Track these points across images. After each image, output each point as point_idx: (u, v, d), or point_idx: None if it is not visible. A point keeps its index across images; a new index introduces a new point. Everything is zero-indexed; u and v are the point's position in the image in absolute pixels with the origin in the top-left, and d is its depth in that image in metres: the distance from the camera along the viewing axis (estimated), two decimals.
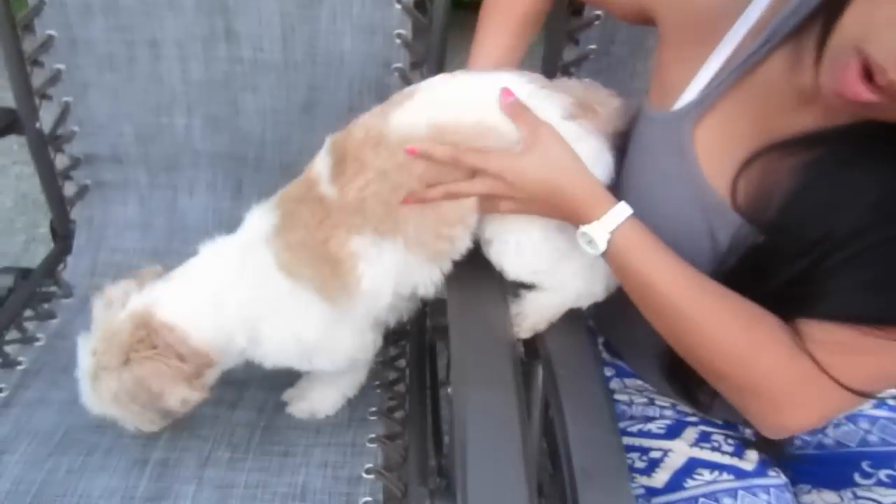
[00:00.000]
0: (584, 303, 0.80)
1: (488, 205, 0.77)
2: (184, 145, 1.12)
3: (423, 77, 1.06)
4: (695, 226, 0.69)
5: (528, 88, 0.77)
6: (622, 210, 0.69)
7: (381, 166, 0.75)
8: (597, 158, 0.76)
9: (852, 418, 0.80)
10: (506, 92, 0.75)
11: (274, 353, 0.84)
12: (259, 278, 0.80)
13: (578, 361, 0.74)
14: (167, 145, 1.12)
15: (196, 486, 0.84)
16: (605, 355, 0.95)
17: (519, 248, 0.79)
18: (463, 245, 0.80)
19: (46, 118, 1.11)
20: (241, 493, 0.84)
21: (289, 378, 1.01)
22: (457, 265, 0.82)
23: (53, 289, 1.14)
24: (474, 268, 0.83)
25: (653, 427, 0.83)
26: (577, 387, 0.70)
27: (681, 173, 0.69)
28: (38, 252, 1.84)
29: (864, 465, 0.77)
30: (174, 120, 1.10)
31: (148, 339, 0.77)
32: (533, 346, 0.83)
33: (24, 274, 1.13)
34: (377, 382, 1.01)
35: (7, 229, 1.91)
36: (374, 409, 0.97)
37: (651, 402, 0.86)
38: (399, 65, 1.06)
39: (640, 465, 0.85)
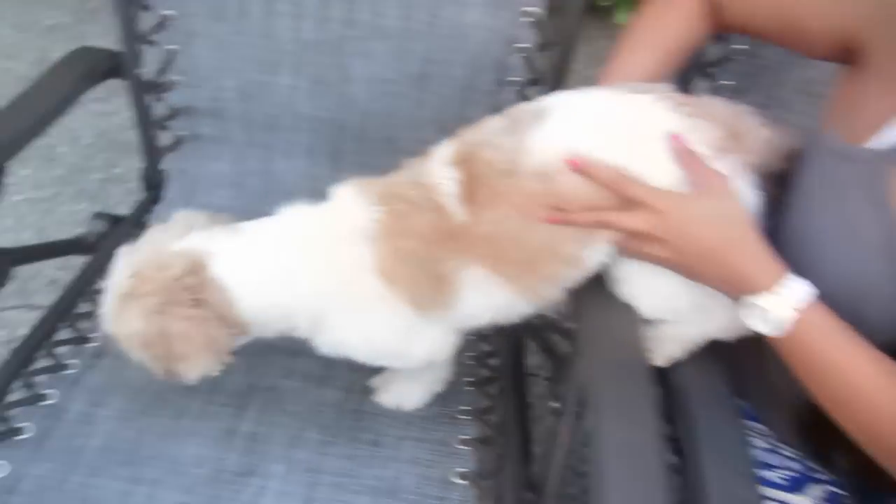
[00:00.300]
0: (731, 335, 0.73)
1: (633, 245, 0.69)
2: (286, 106, 1.08)
3: (549, 61, 1.00)
4: (879, 279, 0.62)
5: (674, 117, 0.69)
6: (804, 286, 0.62)
7: (514, 202, 0.70)
8: (744, 200, 0.69)
9: None
10: (675, 138, 0.68)
11: (338, 346, 0.78)
12: (350, 273, 0.73)
13: (719, 406, 0.68)
14: (268, 104, 1.08)
15: (285, 467, 0.82)
16: None
17: (657, 290, 0.72)
18: (571, 283, 0.75)
19: (149, 65, 1.08)
20: (330, 480, 0.82)
21: None
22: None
23: None
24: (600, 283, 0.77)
25: (774, 476, 0.77)
26: (719, 436, 0.64)
27: (873, 220, 0.62)
28: (113, 192, 1.84)
29: None
30: (279, 79, 1.06)
31: (195, 289, 0.71)
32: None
33: (115, 220, 1.11)
34: (469, 380, 0.97)
35: (84, 166, 1.91)
36: (465, 408, 0.93)
37: (774, 450, 0.80)
38: (525, 45, 1.00)
39: None
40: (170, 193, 1.15)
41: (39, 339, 0.91)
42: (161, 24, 1.04)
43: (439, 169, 0.73)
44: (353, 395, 0.92)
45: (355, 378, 0.95)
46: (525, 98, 1.03)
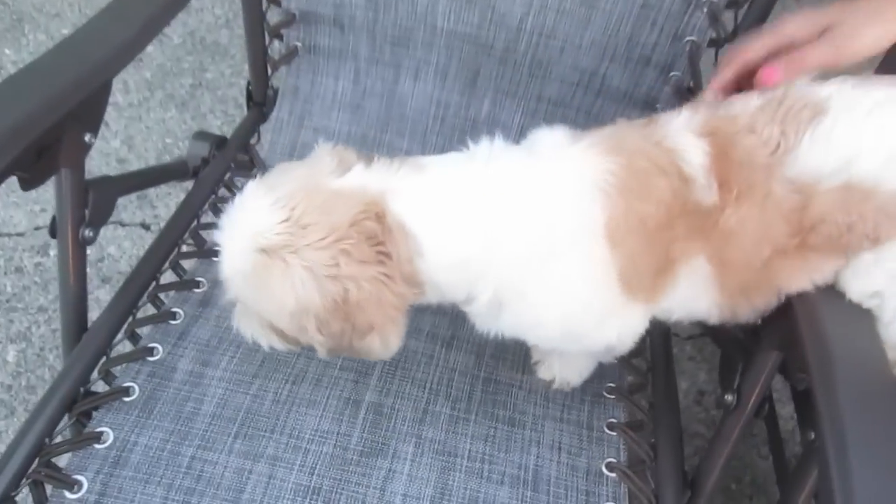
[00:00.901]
0: None
1: None
2: (422, 18, 0.91)
3: None
4: None
5: None
6: None
7: (765, 208, 0.58)
8: None
9: None
10: None
11: (523, 324, 0.65)
12: (573, 236, 0.59)
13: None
14: (402, 15, 0.92)
15: (415, 447, 0.71)
16: None
17: None
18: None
19: None
20: (465, 465, 0.70)
21: None
22: None
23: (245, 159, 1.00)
24: None
25: None
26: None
27: None
28: (204, 100, 1.72)
29: None
30: None
31: (377, 239, 0.57)
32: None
33: (219, 144, 0.99)
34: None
35: (174, 69, 1.79)
36: (611, 385, 0.81)
37: None
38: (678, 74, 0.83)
39: None
40: (280, 114, 1.01)
41: (142, 283, 0.80)
42: None
43: (684, 135, 0.59)
44: (482, 359, 0.80)
45: (485, 340, 0.82)
46: (720, 27, 0.84)
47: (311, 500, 0.66)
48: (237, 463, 0.67)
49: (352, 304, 0.55)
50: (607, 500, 0.70)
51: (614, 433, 0.76)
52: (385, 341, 0.59)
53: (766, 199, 0.58)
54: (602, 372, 0.81)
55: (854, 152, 0.56)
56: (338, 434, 0.71)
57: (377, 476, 0.69)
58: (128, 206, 1.48)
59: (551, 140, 0.62)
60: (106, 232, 1.43)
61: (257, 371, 0.75)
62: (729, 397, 0.70)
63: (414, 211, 0.58)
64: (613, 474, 0.72)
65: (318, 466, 0.68)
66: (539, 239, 0.59)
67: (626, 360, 0.82)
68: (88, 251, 0.75)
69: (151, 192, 1.50)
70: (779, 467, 0.94)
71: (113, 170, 1.55)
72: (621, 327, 0.64)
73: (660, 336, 0.85)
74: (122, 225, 1.46)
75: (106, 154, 1.58)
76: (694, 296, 0.63)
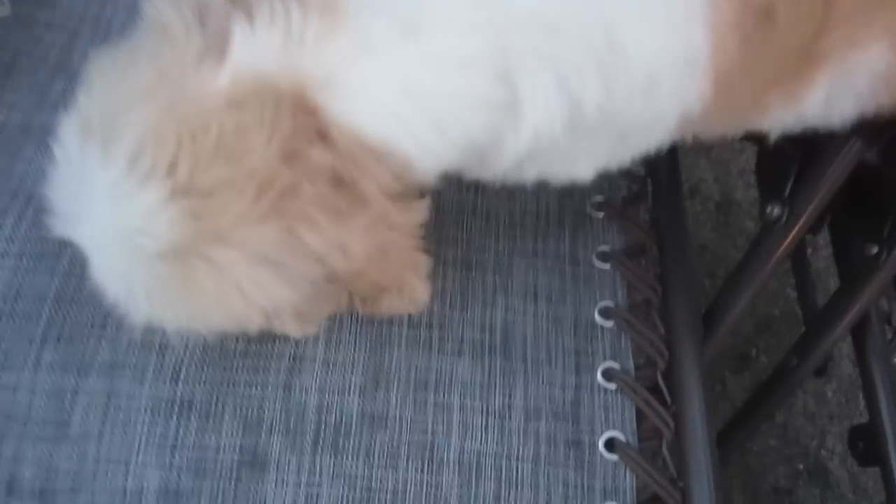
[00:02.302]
0: None
1: None
2: None
3: None
4: None
5: None
6: None
7: None
8: None
9: None
10: None
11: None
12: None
13: None
14: None
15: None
16: None
17: None
18: None
19: None
20: (406, 334, 0.49)
21: None
22: None
23: None
24: None
25: None
26: None
27: None
28: None
29: None
30: None
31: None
32: None
33: None
34: None
35: None
36: (599, 199, 0.58)
37: None
38: None
39: None
40: None
41: None
42: None
43: None
44: None
45: None
46: None
47: (180, 416, 0.44)
48: (50, 382, 0.43)
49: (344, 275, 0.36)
50: (604, 360, 0.51)
51: (607, 265, 0.55)
52: (409, 297, 0.43)
53: None
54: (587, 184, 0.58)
55: None
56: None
57: (278, 368, 0.46)
58: None
59: None
60: None
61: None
62: (775, 209, 0.49)
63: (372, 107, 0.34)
64: (610, 322, 0.52)
65: (183, 369, 0.45)
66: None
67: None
68: None
69: None
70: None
71: None
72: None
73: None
74: None
75: None
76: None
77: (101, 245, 0.35)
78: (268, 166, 0.32)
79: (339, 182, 0.34)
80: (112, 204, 0.32)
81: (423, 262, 0.42)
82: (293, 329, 0.39)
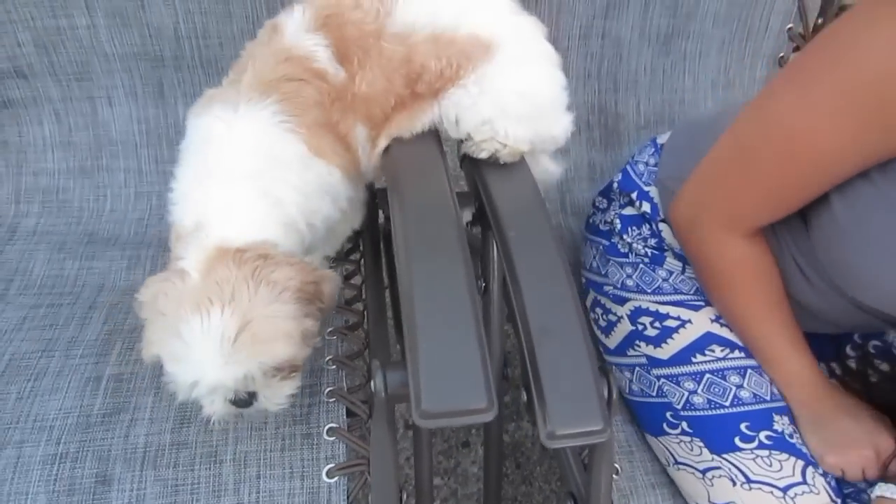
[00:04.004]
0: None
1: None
2: (91, 49, 1.03)
3: None
4: None
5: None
6: None
7: (382, 65, 0.75)
8: None
9: None
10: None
11: (323, 229, 0.82)
12: (300, 167, 0.74)
13: (529, 222, 0.71)
14: (73, 51, 1.03)
15: (154, 396, 0.82)
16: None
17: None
18: None
19: None
20: None
21: None
22: None
23: None
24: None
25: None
26: (530, 249, 0.67)
27: None
28: None
29: None
30: (74, 20, 1.00)
31: (259, 256, 0.67)
32: (486, 216, 0.80)
33: None
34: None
35: None
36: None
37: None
38: None
39: (650, 332, 0.86)
40: None
41: None
42: None
43: (303, 38, 0.75)
44: None
45: None
46: None
47: (59, 465, 0.75)
48: None
49: (300, 289, 0.69)
50: (328, 386, 0.84)
51: (334, 337, 0.90)
52: (330, 280, 0.74)
53: (380, 56, 0.75)
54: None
55: (435, 8, 0.76)
56: (81, 406, 0.80)
57: (120, 428, 0.79)
58: None
59: (217, 109, 0.74)
60: None
61: None
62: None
63: (240, 236, 0.69)
64: (333, 366, 0.86)
65: (63, 436, 0.78)
66: (293, 181, 0.74)
67: (346, 279, 0.97)
68: None
69: None
70: None
71: None
72: (350, 190, 0.83)
73: (370, 250, 1.01)
74: None
75: None
76: (365, 154, 0.82)
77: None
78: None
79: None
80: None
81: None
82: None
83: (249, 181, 0.72)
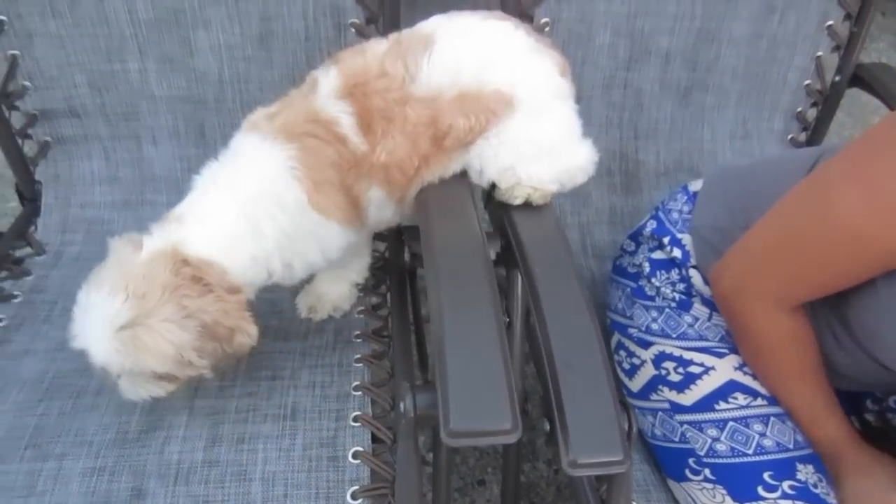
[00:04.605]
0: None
1: None
2: (140, 91, 1.10)
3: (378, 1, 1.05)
4: None
5: (532, 40, 0.85)
6: None
7: (408, 132, 0.80)
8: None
9: None
10: None
11: (301, 272, 0.86)
12: (295, 212, 0.79)
13: (554, 260, 0.75)
14: (123, 93, 1.10)
15: (188, 415, 0.85)
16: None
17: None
18: None
19: None
20: (233, 417, 0.85)
21: (271, 304, 1.02)
22: None
23: (26, 250, 1.13)
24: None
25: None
26: (554, 285, 0.71)
27: None
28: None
29: None
30: (127, 65, 1.08)
31: (196, 276, 0.73)
32: (510, 255, 0.84)
33: None
34: (360, 308, 1.03)
35: None
36: (357, 332, 0.98)
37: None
38: None
39: (674, 377, 0.88)
40: (47, 200, 1.16)
41: None
42: None
43: (331, 103, 0.79)
44: None
45: None
46: (367, 37, 1.08)
47: (97, 478, 0.78)
48: (28, 467, 0.79)
49: (209, 325, 0.72)
50: (354, 411, 0.87)
51: (360, 364, 0.93)
52: (247, 334, 0.76)
53: (405, 122, 0.79)
54: (352, 325, 1.00)
55: (459, 67, 0.80)
56: (118, 423, 0.84)
57: (155, 444, 0.82)
58: None
59: (246, 141, 0.82)
60: None
61: (42, 396, 0.87)
62: None
63: (202, 245, 0.75)
64: (359, 393, 0.89)
65: (101, 451, 0.81)
66: (282, 221, 0.79)
67: (372, 311, 1.01)
68: None
69: None
70: None
71: None
72: (344, 240, 0.86)
73: (397, 284, 1.05)
74: None
75: None
76: (381, 210, 0.87)
77: (95, 331, 0.71)
78: (165, 280, 0.71)
79: (196, 278, 0.73)
80: (100, 309, 0.71)
81: (249, 317, 0.77)
82: (201, 364, 0.73)
83: (242, 205, 0.78)
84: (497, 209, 0.90)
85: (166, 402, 0.86)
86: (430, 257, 0.72)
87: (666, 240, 0.96)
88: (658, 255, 0.97)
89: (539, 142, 0.85)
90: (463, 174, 0.88)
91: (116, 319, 0.70)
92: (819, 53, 1.23)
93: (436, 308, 0.68)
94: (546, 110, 0.85)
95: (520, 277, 0.85)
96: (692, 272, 0.92)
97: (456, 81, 0.80)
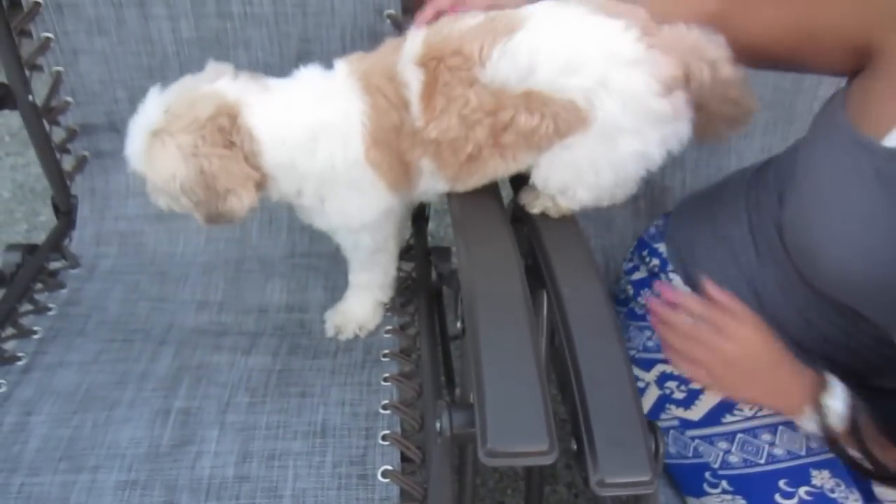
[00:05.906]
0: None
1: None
2: None
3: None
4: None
5: (635, 48, 0.71)
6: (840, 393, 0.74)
7: (465, 115, 0.77)
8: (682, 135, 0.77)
9: None
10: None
11: (329, 216, 0.89)
12: (351, 160, 0.81)
13: (582, 280, 0.75)
14: None
15: (219, 431, 0.86)
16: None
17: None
18: None
19: (39, 90, 1.11)
20: (263, 433, 0.86)
21: (301, 325, 1.03)
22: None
23: (61, 262, 1.15)
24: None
25: None
26: (582, 305, 0.71)
27: (888, 211, 0.66)
28: (40, 239, 1.84)
29: None
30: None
31: (227, 131, 0.76)
32: (538, 275, 0.84)
33: (30, 250, 1.14)
34: (388, 328, 1.03)
35: (8, 220, 1.91)
36: (386, 351, 0.99)
37: None
38: (391, 11, 1.06)
39: (678, 395, 0.88)
40: (82, 213, 1.18)
41: None
42: (43, 47, 1.07)
43: (408, 67, 0.78)
44: (278, 357, 0.97)
45: (280, 343, 1.00)
46: None
47: (130, 491, 0.79)
48: (62, 479, 0.80)
49: (207, 174, 0.75)
50: (383, 430, 0.87)
51: (389, 383, 0.94)
52: (241, 201, 0.78)
53: (465, 105, 0.76)
54: (381, 344, 1.00)
55: (532, 64, 0.72)
56: (151, 437, 0.84)
57: (187, 459, 0.82)
58: None
59: (346, 77, 0.81)
60: None
61: (77, 408, 0.88)
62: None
63: (258, 119, 0.78)
64: (388, 411, 0.89)
65: (134, 464, 0.81)
66: (334, 160, 0.81)
67: (400, 330, 1.02)
68: None
69: None
70: None
71: None
72: (385, 203, 0.88)
73: (425, 304, 1.06)
74: None
75: None
76: (433, 181, 0.86)
77: (135, 127, 0.79)
78: (201, 115, 0.75)
79: (227, 134, 0.76)
80: (148, 111, 0.79)
81: (252, 190, 0.79)
82: (188, 204, 0.79)
83: (314, 119, 0.80)
84: (523, 229, 0.91)
85: (198, 417, 0.87)
86: (468, 277, 0.73)
87: (645, 252, 0.99)
88: (637, 275, 1.00)
89: (603, 174, 0.79)
90: (496, 193, 0.88)
91: (150, 125, 0.77)
92: (843, 85, 1.23)
93: (472, 328, 0.68)
94: (627, 135, 0.75)
95: (545, 297, 0.86)
96: (672, 276, 0.94)
97: (525, 78, 0.73)
